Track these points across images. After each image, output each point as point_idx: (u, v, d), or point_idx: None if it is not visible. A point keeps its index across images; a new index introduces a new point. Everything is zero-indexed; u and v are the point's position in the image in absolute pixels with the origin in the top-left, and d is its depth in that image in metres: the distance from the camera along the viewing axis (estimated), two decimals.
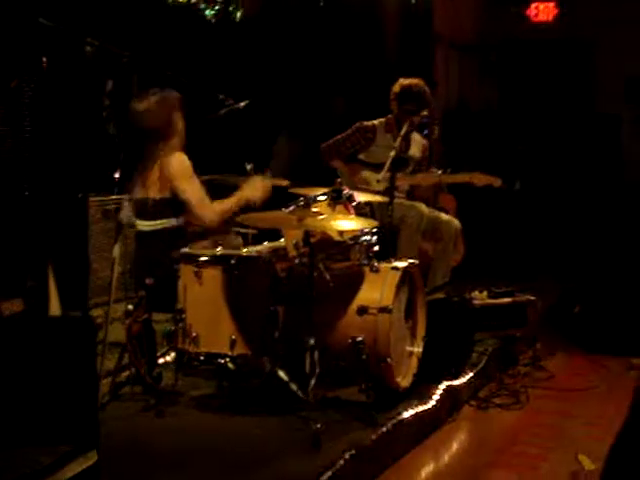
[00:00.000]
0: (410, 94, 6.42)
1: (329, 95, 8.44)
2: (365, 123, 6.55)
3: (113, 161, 5.38)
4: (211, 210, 5.00)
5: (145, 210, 5.01)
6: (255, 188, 5.15)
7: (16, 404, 3.18)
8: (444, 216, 6.53)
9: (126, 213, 5.01)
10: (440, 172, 6.56)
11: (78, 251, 5.79)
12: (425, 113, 6.38)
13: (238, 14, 8.47)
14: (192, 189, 4.94)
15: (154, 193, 4.97)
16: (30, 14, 3.71)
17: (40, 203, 3.45)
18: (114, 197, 6.11)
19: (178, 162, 4.94)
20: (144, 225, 5.03)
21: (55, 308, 5.01)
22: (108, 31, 5.87)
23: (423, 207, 6.40)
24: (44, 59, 3.17)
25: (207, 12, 8.28)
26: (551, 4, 11.17)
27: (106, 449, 3.67)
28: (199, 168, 5.17)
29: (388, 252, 5.24)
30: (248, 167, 5.33)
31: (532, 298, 6.58)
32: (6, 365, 3.10)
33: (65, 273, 5.34)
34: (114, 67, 6.14)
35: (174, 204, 4.97)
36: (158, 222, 4.98)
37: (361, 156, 6.55)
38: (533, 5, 11.19)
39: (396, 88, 6.51)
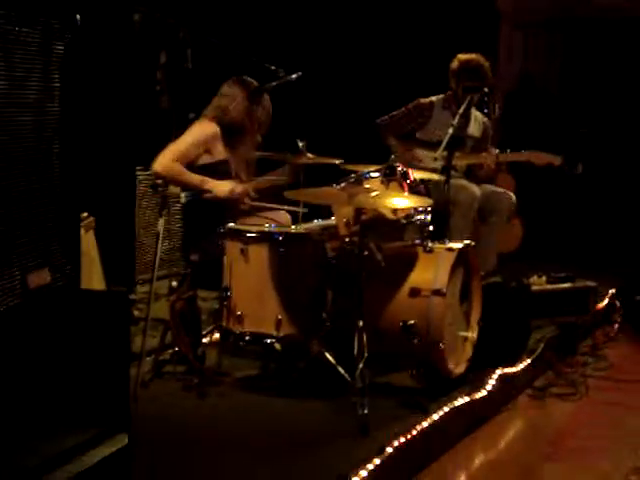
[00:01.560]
0: (469, 70, 6.28)
1: (385, 72, 8.27)
2: (423, 100, 6.44)
3: (165, 135, 5.28)
4: (164, 157, 4.84)
5: None
6: (222, 189, 4.92)
7: (43, 383, 3.06)
8: (499, 189, 6.37)
9: None
10: (498, 151, 6.39)
11: (125, 226, 5.72)
12: (486, 90, 6.17)
13: None
14: (179, 139, 4.89)
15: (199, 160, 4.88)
16: None
17: (78, 174, 3.33)
18: None
19: (200, 125, 4.96)
20: (185, 195, 4.92)
21: (99, 283, 4.92)
22: (163, 4, 5.77)
23: (475, 189, 6.22)
24: (78, 17, 3.05)
25: None
26: None
27: (145, 429, 3.59)
28: None
29: (443, 232, 5.05)
30: (300, 144, 5.20)
31: (593, 284, 6.38)
32: (33, 341, 2.98)
33: (111, 248, 5.26)
34: (168, 40, 6.04)
35: (212, 172, 4.85)
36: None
37: (419, 134, 6.43)
38: None
39: (454, 64, 6.38)
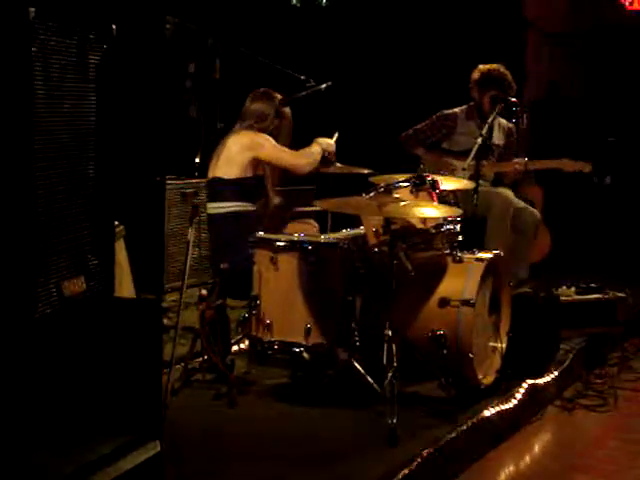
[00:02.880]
0: (490, 79, 6.29)
1: (412, 82, 8.26)
2: (446, 112, 6.45)
3: (194, 144, 5.30)
4: (299, 156, 5.03)
5: (216, 192, 4.92)
6: (328, 142, 5.19)
7: (76, 390, 3.07)
8: (525, 205, 6.36)
9: None
10: (527, 159, 6.38)
11: (154, 234, 5.73)
12: (514, 100, 6.15)
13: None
14: (273, 148, 4.93)
15: (226, 173, 4.88)
16: None
17: (111, 182, 3.35)
18: (194, 181, 6.07)
19: (255, 135, 4.94)
20: (214, 207, 4.93)
21: (129, 291, 4.94)
22: (192, 15, 5.80)
23: (510, 194, 6.23)
24: (114, 27, 3.08)
25: None
26: None
27: (175, 437, 3.60)
28: None
29: (472, 242, 5.04)
30: (336, 135, 5.25)
31: (622, 295, 6.32)
32: (68, 348, 2.99)
33: (141, 256, 5.27)
34: (197, 50, 6.07)
35: (248, 187, 4.86)
36: (229, 204, 4.89)
37: (444, 145, 6.45)
38: None
39: (475, 75, 6.40)
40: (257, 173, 4.95)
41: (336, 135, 5.25)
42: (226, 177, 4.88)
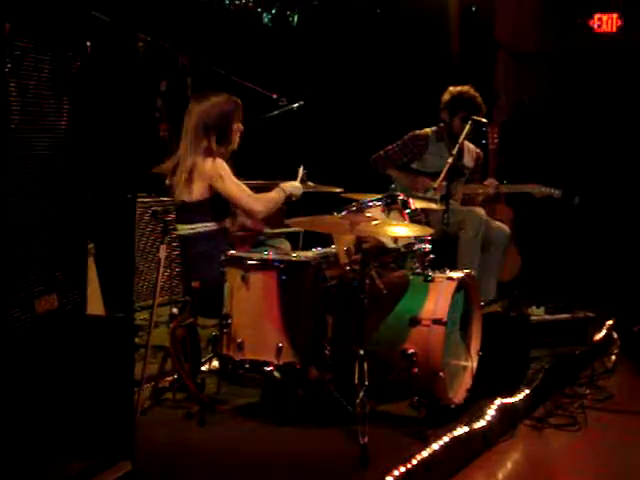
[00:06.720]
0: (460, 101, 6.35)
1: (384, 102, 8.30)
2: (417, 132, 6.52)
3: (163, 163, 5.27)
4: (256, 200, 4.92)
5: (183, 214, 4.91)
6: (294, 186, 5.11)
7: (47, 409, 3.04)
8: (494, 223, 6.41)
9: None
10: (497, 183, 6.46)
11: (124, 252, 5.69)
12: (484, 121, 6.20)
13: (295, 18, 8.39)
14: (232, 185, 4.85)
15: (189, 196, 4.86)
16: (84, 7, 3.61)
17: (80, 200, 3.33)
18: (164, 199, 6.04)
19: (213, 163, 4.84)
20: (183, 229, 4.92)
21: (98, 309, 4.90)
22: (164, 33, 5.79)
23: (482, 212, 6.28)
24: (88, 44, 3.07)
25: (264, 16, 8.22)
26: (614, 15, 10.94)
27: (145, 457, 3.56)
28: (251, 169, 5.06)
29: (444, 261, 5.06)
30: (301, 172, 5.22)
31: (591, 315, 6.36)
32: (38, 366, 2.96)
33: (110, 274, 5.24)
34: (169, 68, 6.05)
35: (213, 206, 4.85)
36: (196, 226, 4.87)
37: (414, 165, 6.48)
38: (596, 16, 10.98)
39: (445, 96, 6.47)
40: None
41: (301, 171, 5.21)
42: (192, 199, 4.87)
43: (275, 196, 5.02)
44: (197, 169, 4.84)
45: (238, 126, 4.99)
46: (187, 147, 4.90)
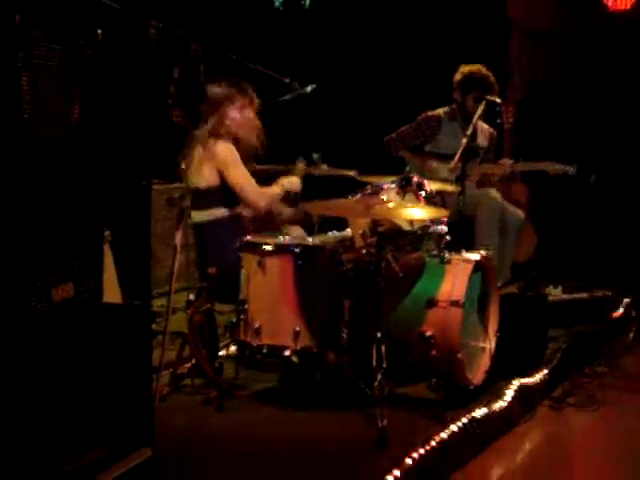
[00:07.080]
0: (472, 80, 6.29)
1: (398, 83, 8.27)
2: (430, 113, 6.46)
3: (178, 149, 5.27)
4: (261, 195, 4.96)
5: (197, 200, 4.91)
6: (291, 182, 5.15)
7: (66, 397, 3.05)
8: (509, 207, 6.37)
9: None
10: (512, 162, 6.41)
11: (140, 239, 5.70)
12: (498, 100, 6.16)
13: (307, 1, 8.35)
14: (239, 175, 4.87)
15: (201, 181, 4.87)
16: None
17: (95, 188, 3.34)
18: (179, 185, 6.05)
19: (224, 150, 4.88)
20: (197, 216, 4.92)
21: (116, 297, 4.92)
22: (176, 19, 5.77)
23: (497, 195, 6.27)
24: (99, 31, 3.07)
25: (276, 0, 8.20)
26: None
27: (164, 443, 3.58)
28: (265, 154, 5.06)
29: (460, 243, 5.04)
30: (315, 156, 5.21)
31: (609, 294, 6.33)
32: (55, 355, 2.97)
33: (127, 261, 5.25)
34: (182, 55, 6.04)
35: (224, 193, 4.86)
36: (209, 212, 4.88)
37: (428, 147, 6.43)
38: None
39: (457, 76, 6.41)
40: None
41: (317, 155, 5.22)
42: (204, 185, 4.87)
43: (276, 192, 5.07)
44: (207, 151, 4.88)
45: (236, 114, 5.01)
46: (199, 129, 4.99)
